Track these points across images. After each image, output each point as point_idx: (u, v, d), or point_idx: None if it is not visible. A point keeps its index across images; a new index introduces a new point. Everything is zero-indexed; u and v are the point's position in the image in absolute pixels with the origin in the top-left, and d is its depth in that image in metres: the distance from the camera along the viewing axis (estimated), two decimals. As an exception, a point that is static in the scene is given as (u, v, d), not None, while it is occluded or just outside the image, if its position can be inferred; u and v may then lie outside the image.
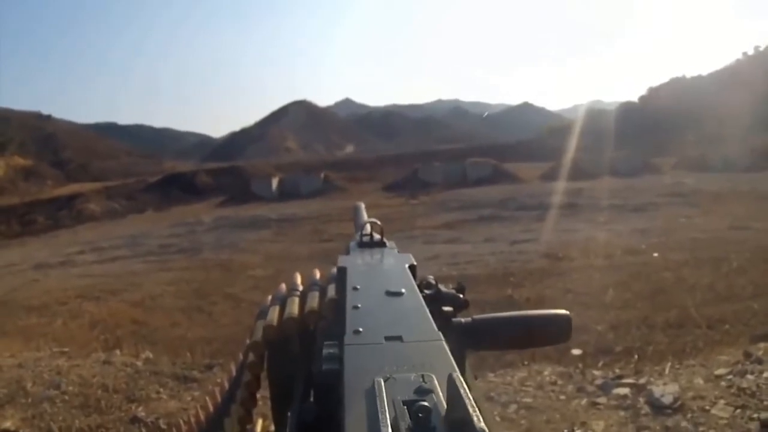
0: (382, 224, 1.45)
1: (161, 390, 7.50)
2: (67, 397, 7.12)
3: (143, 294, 19.63)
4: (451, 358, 0.74)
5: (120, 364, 8.47)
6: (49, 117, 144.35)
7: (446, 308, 1.12)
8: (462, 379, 0.65)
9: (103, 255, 31.29)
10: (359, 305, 0.94)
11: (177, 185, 71.30)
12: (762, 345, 7.48)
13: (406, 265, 1.18)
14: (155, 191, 69.38)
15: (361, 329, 0.83)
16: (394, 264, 1.22)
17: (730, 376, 6.23)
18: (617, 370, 7.27)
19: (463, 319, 1.07)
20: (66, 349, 9.64)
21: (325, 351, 0.82)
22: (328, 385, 0.77)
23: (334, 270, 1.23)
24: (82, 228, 52.22)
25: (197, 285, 20.38)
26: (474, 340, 1.05)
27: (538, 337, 1.12)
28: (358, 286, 1.03)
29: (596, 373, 7.16)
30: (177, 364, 8.61)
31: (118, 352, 9.60)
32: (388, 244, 1.43)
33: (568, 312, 1.10)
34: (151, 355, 9.39)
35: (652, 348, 9.86)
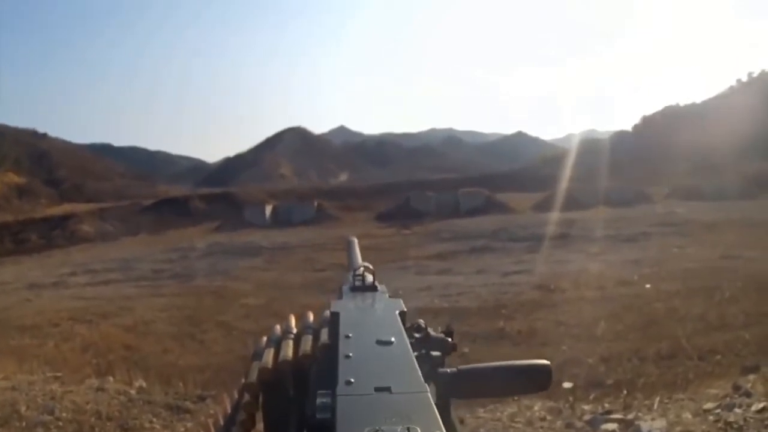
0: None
1: (154, 420, 7.49)
2: (61, 423, 7.12)
3: (135, 319, 19.54)
4: (436, 411, 0.78)
5: (113, 391, 8.46)
6: (44, 135, 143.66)
7: (435, 353, 1.15)
8: None
9: (95, 277, 31.17)
10: (351, 354, 0.98)
11: (171, 209, 71.01)
12: (751, 377, 7.49)
13: (397, 312, 1.21)
14: (149, 215, 69.10)
15: (352, 380, 0.87)
16: (385, 310, 1.25)
17: (718, 410, 6.25)
18: (606, 405, 7.28)
19: (448, 369, 1.09)
20: (59, 374, 9.62)
21: (318, 400, 0.85)
22: None
23: (327, 313, 1.28)
24: (75, 249, 51.99)
25: (189, 312, 20.30)
26: (458, 390, 1.08)
27: (518, 386, 1.17)
28: (350, 334, 1.07)
29: (585, 407, 7.17)
30: (170, 394, 8.60)
31: (111, 378, 9.58)
32: (379, 288, 1.46)
33: (548, 362, 1.15)
34: (144, 384, 9.37)
35: (643, 380, 9.86)
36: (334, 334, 1.14)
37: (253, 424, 1.23)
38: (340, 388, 0.85)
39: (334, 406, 0.81)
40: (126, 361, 13.59)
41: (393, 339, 1.03)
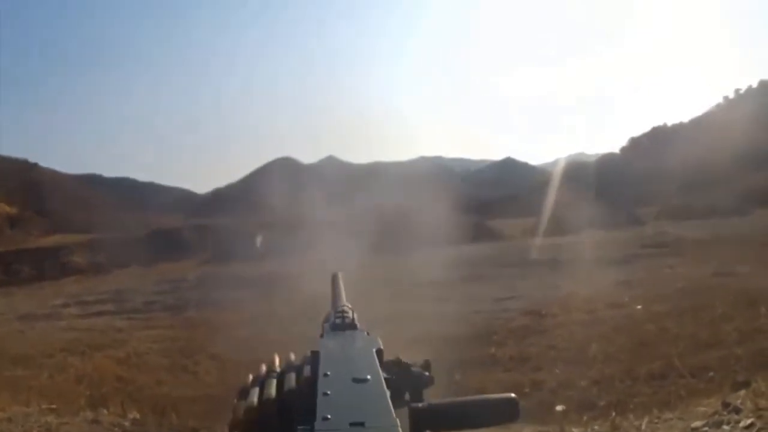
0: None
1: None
2: (56, 455, 7.13)
3: (128, 350, 19.48)
4: None
5: (108, 423, 8.47)
6: (35, 165, 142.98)
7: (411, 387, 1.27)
8: None
9: (88, 309, 31.06)
10: (329, 392, 1.06)
11: (162, 241, 70.79)
12: (742, 393, 7.52)
13: (374, 350, 1.28)
14: (140, 246, 68.86)
15: (329, 416, 0.96)
16: (362, 349, 1.32)
17: (705, 428, 6.30)
18: (596, 427, 7.32)
19: (420, 404, 1.15)
20: (54, 406, 9.60)
21: None
22: None
23: (309, 352, 1.35)
24: (67, 280, 51.77)
25: (182, 343, 20.24)
26: (429, 423, 1.13)
27: (488, 418, 1.21)
28: (329, 373, 1.15)
29: (574, 430, 7.21)
30: (164, 426, 8.61)
31: (105, 411, 9.58)
32: (359, 326, 1.54)
33: (514, 395, 1.22)
34: (138, 416, 9.38)
35: (636, 401, 9.89)
36: (314, 371, 1.22)
37: None
38: (318, 423, 0.95)
39: None
40: (119, 393, 13.58)
41: (369, 377, 1.11)
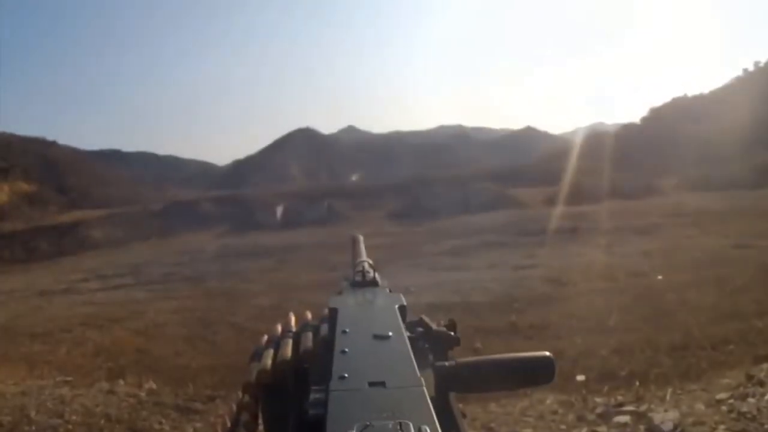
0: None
1: (164, 421, 7.50)
2: (70, 426, 7.13)
3: (147, 322, 19.60)
4: (430, 405, 0.76)
5: (123, 394, 8.48)
6: (53, 143, 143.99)
7: (436, 347, 1.13)
8: (437, 428, 0.69)
9: (106, 283, 31.33)
10: (347, 349, 0.96)
11: (181, 213, 71.31)
12: (765, 366, 7.43)
13: (396, 306, 1.19)
14: (159, 219, 69.44)
15: (346, 374, 0.85)
16: (384, 305, 1.23)
17: (731, 400, 6.20)
18: (619, 397, 7.23)
19: (446, 363, 1.04)
20: (69, 378, 9.66)
21: (312, 396, 0.83)
22: (313, 430, 0.79)
23: (327, 310, 1.25)
24: (85, 255, 52.28)
25: (201, 314, 20.33)
26: (457, 384, 1.03)
27: (520, 379, 1.10)
28: (347, 330, 1.05)
29: (598, 400, 7.13)
30: (179, 395, 8.61)
31: (121, 381, 9.61)
32: (380, 282, 1.45)
33: (550, 354, 1.09)
34: (154, 386, 9.39)
35: (656, 371, 9.77)
36: (332, 329, 1.12)
37: (257, 425, 1.19)
38: (333, 383, 0.84)
39: (327, 402, 0.79)
40: (138, 365, 13.62)
41: (390, 333, 1.02)
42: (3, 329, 19.81)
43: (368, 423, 0.69)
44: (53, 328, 19.59)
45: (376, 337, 1.01)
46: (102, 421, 7.29)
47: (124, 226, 65.62)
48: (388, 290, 1.38)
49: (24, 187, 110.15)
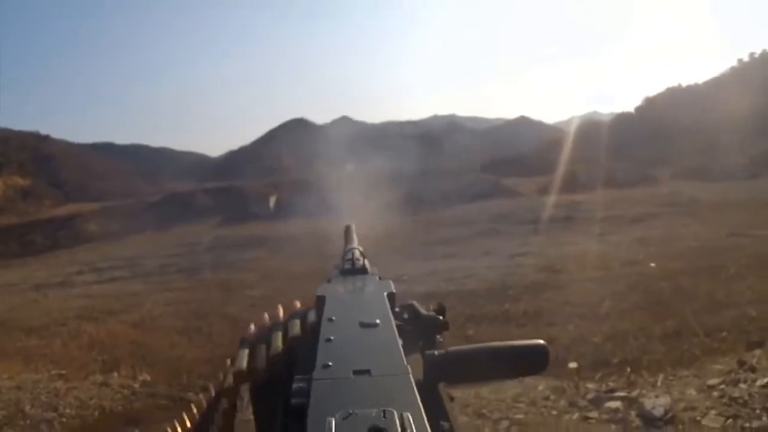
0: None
1: (156, 412, 7.51)
2: (64, 420, 7.15)
3: (142, 314, 19.60)
4: (416, 393, 0.75)
5: (117, 386, 8.50)
6: (47, 137, 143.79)
7: (425, 332, 1.13)
8: (422, 415, 0.69)
9: (102, 275, 31.30)
10: (332, 338, 0.95)
11: (175, 205, 71.17)
12: (757, 352, 7.47)
13: (385, 294, 1.18)
14: (154, 211, 69.25)
15: (330, 363, 0.84)
16: (373, 292, 1.22)
17: (722, 386, 6.23)
18: (611, 383, 7.27)
19: (436, 352, 1.01)
20: (64, 371, 9.67)
21: (295, 385, 0.83)
22: (297, 420, 0.78)
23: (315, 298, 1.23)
24: (80, 248, 52.16)
25: (196, 305, 20.34)
26: (446, 373, 1.00)
27: (513, 368, 1.09)
28: (334, 318, 1.04)
29: (590, 386, 7.16)
30: (173, 386, 8.63)
31: (115, 374, 9.62)
32: (370, 270, 1.43)
33: (543, 342, 1.08)
34: (148, 377, 9.40)
35: (649, 358, 9.81)
36: (319, 318, 1.11)
37: (235, 413, 1.19)
38: (317, 372, 0.83)
39: (309, 391, 0.79)
40: (132, 357, 13.61)
41: (378, 321, 1.01)
42: (-1, 323, 19.82)
43: (351, 411, 0.69)
44: (48, 321, 19.58)
45: (363, 324, 1.00)
46: (96, 414, 7.32)
47: (119, 219, 65.46)
48: (377, 277, 1.37)
49: (18, 181, 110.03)
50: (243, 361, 1.18)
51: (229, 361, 1.22)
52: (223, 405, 1.19)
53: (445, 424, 0.86)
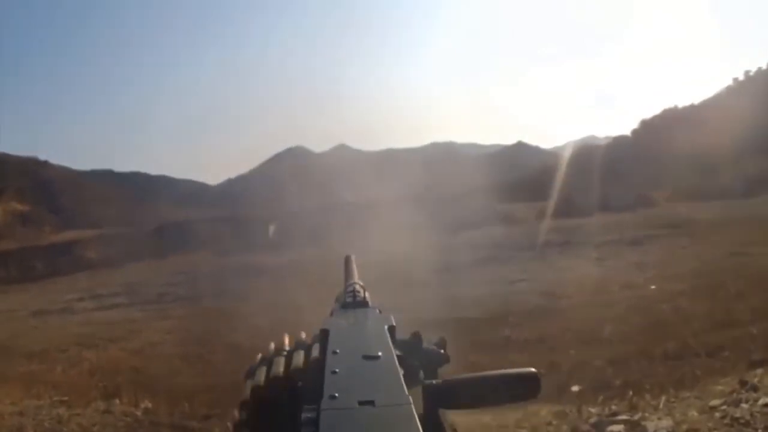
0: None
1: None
2: (67, 447, 7.14)
3: (143, 342, 19.57)
4: (417, 422, 0.80)
5: (119, 413, 8.48)
6: (45, 163, 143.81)
7: (426, 364, 1.18)
8: None
9: (102, 302, 31.26)
10: (337, 370, 0.99)
11: (174, 233, 71.11)
12: (758, 371, 7.46)
13: (386, 327, 1.21)
14: (153, 239, 69.22)
15: (336, 394, 0.89)
16: (374, 326, 1.26)
17: (724, 407, 6.23)
18: (613, 407, 7.26)
19: (434, 381, 1.09)
20: (66, 398, 9.63)
21: (303, 415, 0.89)
22: None
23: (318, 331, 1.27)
24: (80, 275, 51.97)
25: (197, 333, 20.28)
26: (445, 400, 1.07)
27: (507, 395, 1.12)
28: (338, 350, 1.09)
29: (592, 410, 7.15)
30: (175, 414, 8.62)
31: (117, 401, 9.60)
32: (370, 303, 1.47)
33: (534, 370, 1.12)
34: (150, 405, 9.38)
35: (651, 380, 9.79)
36: (323, 350, 1.15)
37: None
38: (325, 402, 0.87)
39: (318, 420, 0.83)
40: (133, 384, 13.56)
41: (380, 353, 1.05)
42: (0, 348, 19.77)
43: None
44: (49, 347, 19.56)
45: (366, 357, 1.04)
46: (99, 440, 7.29)
47: (118, 246, 65.34)
48: (378, 311, 1.41)
49: (17, 207, 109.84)
50: (261, 376, 1.22)
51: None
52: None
53: None
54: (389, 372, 0.98)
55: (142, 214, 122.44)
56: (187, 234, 70.86)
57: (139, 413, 8.63)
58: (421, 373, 1.15)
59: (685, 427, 5.92)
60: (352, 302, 1.48)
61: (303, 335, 1.36)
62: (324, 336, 1.19)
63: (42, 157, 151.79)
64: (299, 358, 1.22)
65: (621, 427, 6.36)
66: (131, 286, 36.58)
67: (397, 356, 1.06)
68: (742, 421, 5.77)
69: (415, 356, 1.19)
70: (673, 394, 7.55)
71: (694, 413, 6.26)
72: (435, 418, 1.04)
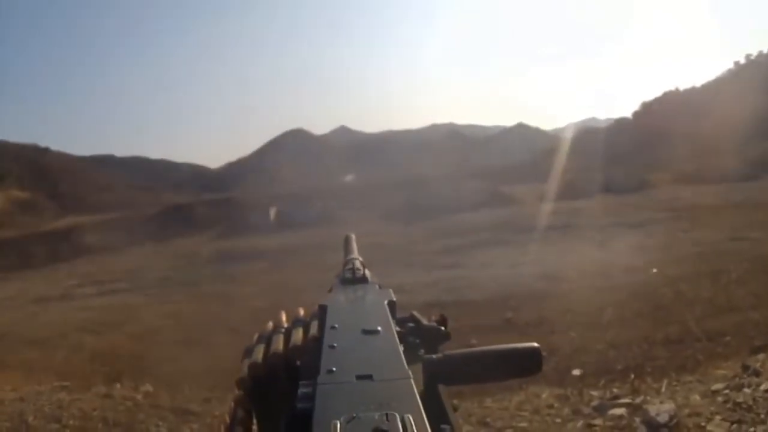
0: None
1: (161, 423, 7.51)
2: (68, 431, 7.14)
3: (143, 327, 19.62)
4: (417, 397, 0.76)
5: (120, 397, 8.50)
6: (46, 149, 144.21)
7: (426, 341, 1.14)
8: (423, 418, 0.70)
9: (102, 288, 31.30)
10: (335, 344, 0.96)
11: (175, 218, 71.19)
12: (760, 356, 7.47)
13: (386, 302, 1.18)
14: (154, 224, 69.26)
15: (334, 368, 0.86)
16: (374, 301, 1.23)
17: (726, 391, 6.23)
18: (615, 390, 7.26)
19: (434, 356, 1.04)
20: (67, 383, 9.66)
21: (300, 390, 0.84)
22: (302, 424, 0.81)
23: (317, 307, 1.27)
24: (80, 261, 52.06)
25: (197, 317, 20.33)
26: (445, 375, 1.02)
27: (508, 370, 1.12)
28: (336, 325, 1.05)
29: (594, 393, 7.15)
30: (176, 398, 8.63)
31: (118, 385, 9.62)
32: (370, 279, 1.43)
33: (537, 344, 1.10)
34: (151, 389, 9.41)
35: (652, 364, 9.82)
36: (322, 326, 1.12)
37: (251, 419, 1.20)
38: (321, 377, 0.84)
39: (314, 395, 0.80)
40: (134, 369, 13.62)
41: (379, 328, 1.02)
42: (0, 336, 19.81)
43: (354, 415, 0.70)
44: (50, 334, 19.59)
45: (365, 331, 1.01)
46: (100, 425, 7.31)
47: (119, 231, 65.40)
48: (377, 286, 1.36)
49: (17, 193, 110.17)
50: (259, 354, 1.19)
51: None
52: (240, 414, 1.20)
53: (446, 427, 0.87)
54: (388, 346, 0.96)
55: (142, 198, 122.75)
56: (187, 218, 70.95)
57: (139, 397, 8.65)
58: (422, 351, 1.10)
59: (687, 410, 5.91)
60: (351, 278, 1.44)
61: (301, 312, 1.34)
62: (322, 312, 1.17)
63: (42, 143, 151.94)
64: (298, 334, 1.21)
65: (623, 410, 6.36)
66: (131, 271, 36.66)
67: (397, 332, 1.04)
68: (744, 405, 5.77)
69: (416, 333, 1.16)
70: (674, 378, 7.55)
71: (696, 397, 6.26)
72: (435, 393, 1.00)
